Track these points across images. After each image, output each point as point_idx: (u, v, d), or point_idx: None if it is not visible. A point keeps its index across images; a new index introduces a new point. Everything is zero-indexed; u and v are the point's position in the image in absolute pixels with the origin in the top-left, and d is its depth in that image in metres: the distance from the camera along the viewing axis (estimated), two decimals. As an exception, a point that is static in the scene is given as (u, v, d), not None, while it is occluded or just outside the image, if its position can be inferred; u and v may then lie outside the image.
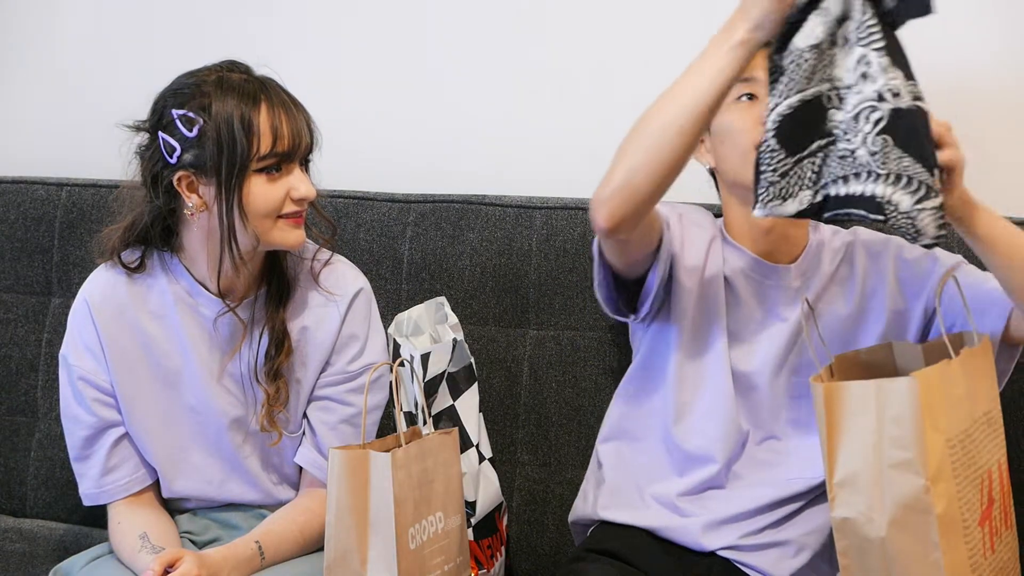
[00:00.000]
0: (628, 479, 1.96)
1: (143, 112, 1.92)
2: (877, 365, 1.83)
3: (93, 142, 2.48)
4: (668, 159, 1.65)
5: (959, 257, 1.93)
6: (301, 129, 1.86)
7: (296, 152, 1.86)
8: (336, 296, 1.97)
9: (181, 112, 1.84)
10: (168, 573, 1.80)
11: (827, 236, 1.97)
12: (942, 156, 1.59)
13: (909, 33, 2.21)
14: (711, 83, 1.61)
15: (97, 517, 2.19)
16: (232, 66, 1.88)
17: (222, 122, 1.81)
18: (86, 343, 1.96)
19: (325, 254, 2.00)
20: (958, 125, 2.15)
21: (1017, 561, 1.81)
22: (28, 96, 2.73)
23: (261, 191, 1.84)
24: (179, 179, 1.85)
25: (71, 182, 2.50)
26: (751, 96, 1.85)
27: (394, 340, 2.00)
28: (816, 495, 1.89)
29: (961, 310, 1.82)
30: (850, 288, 1.94)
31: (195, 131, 1.83)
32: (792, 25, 1.60)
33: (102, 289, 1.97)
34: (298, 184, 1.86)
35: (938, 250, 1.93)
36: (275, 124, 1.83)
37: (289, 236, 1.89)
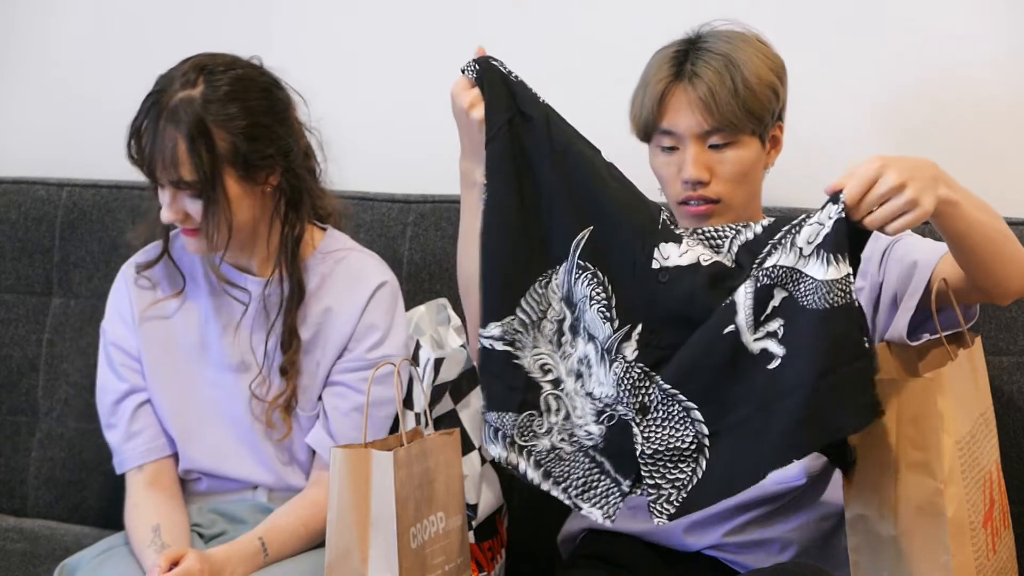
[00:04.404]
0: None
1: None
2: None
3: (93, 142, 2.49)
4: None
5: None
6: (155, 153, 1.88)
7: (152, 175, 1.90)
8: (360, 283, 2.01)
9: None
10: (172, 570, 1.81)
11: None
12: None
13: (911, 33, 2.22)
14: (471, 222, 1.76)
15: (99, 517, 2.19)
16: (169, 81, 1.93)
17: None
18: (118, 310, 2.06)
19: (353, 244, 2.07)
20: (959, 125, 2.18)
21: (1015, 561, 1.81)
22: (28, 96, 2.72)
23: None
24: None
25: (71, 182, 2.50)
26: (672, 148, 1.85)
27: (417, 341, 2.02)
28: (798, 493, 1.88)
29: (894, 277, 1.80)
30: None
31: None
32: None
33: (141, 261, 2.07)
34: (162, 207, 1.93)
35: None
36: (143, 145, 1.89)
37: (187, 244, 1.97)
